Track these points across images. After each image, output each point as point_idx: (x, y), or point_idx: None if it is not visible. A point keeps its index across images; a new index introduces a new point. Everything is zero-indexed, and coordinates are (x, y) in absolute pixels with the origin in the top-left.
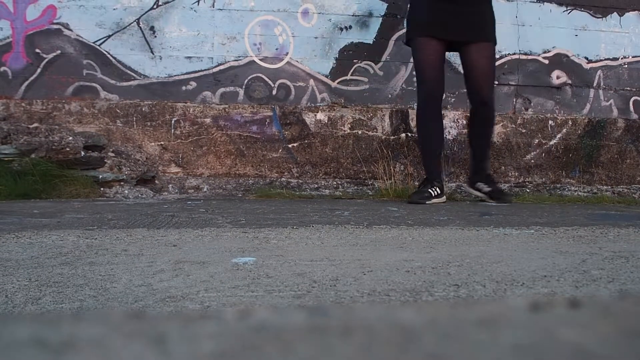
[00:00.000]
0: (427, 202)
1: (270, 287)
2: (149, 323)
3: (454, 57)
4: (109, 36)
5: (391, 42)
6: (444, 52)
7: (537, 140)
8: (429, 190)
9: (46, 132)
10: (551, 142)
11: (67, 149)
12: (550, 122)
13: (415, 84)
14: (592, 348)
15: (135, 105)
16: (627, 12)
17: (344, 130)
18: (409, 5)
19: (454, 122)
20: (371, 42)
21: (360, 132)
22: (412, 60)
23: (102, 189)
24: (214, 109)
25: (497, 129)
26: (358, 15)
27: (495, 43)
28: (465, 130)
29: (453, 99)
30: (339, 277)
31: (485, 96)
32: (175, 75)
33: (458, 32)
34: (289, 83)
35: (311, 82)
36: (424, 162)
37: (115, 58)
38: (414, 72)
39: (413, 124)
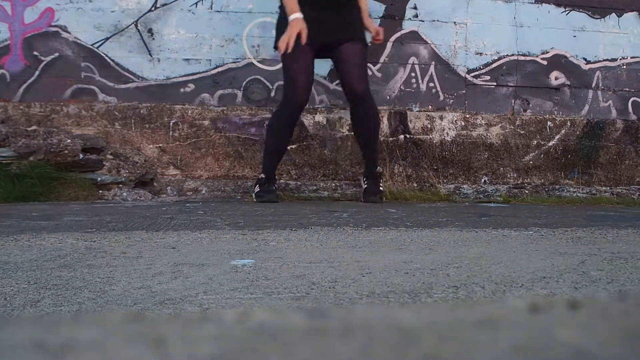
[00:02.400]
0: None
1: (269, 289)
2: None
3: (451, 59)
4: (107, 38)
5: (389, 44)
6: (313, 58)
7: (535, 142)
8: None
9: (44, 134)
10: (550, 143)
11: (66, 152)
12: (548, 123)
13: (414, 86)
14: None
15: (134, 108)
16: (626, 12)
17: (343, 132)
18: (279, 15)
19: (452, 123)
20: (369, 44)
21: None
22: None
23: (100, 191)
24: (213, 111)
25: (496, 130)
26: None
27: (365, 44)
28: (463, 132)
29: (451, 101)
30: (337, 278)
31: (360, 92)
32: (173, 78)
33: (327, 36)
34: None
35: None
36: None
37: (113, 60)
38: (412, 74)
39: (411, 125)
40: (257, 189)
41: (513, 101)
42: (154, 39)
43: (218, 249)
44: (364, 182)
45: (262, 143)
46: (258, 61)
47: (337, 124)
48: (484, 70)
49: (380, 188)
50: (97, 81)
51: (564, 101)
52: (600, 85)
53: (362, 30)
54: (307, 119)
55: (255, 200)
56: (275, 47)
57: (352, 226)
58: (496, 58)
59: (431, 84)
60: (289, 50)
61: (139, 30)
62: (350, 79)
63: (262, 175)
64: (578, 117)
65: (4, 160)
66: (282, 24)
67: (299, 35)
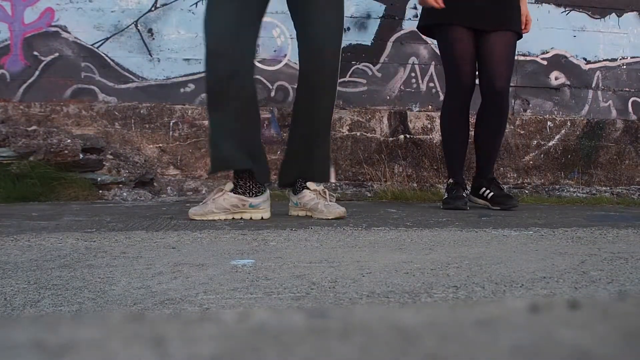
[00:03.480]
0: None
1: (269, 289)
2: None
3: None
4: (107, 38)
5: (389, 44)
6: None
7: (535, 142)
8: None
9: (44, 134)
10: (550, 143)
11: (66, 152)
12: (549, 123)
13: (414, 86)
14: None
15: (134, 108)
16: (626, 12)
17: (343, 132)
18: None
19: None
20: (369, 44)
21: (358, 133)
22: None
23: (100, 191)
24: None
25: None
26: (356, 17)
27: (518, 36)
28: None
29: None
30: (337, 278)
31: (499, 88)
32: (173, 78)
33: (483, 20)
34: (287, 85)
35: None
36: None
37: (113, 60)
38: (412, 74)
39: (411, 125)
40: (445, 195)
41: (513, 101)
42: (154, 39)
43: (218, 249)
44: (483, 193)
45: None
46: (258, 61)
47: (337, 123)
48: None
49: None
50: (97, 81)
51: (564, 101)
52: (600, 85)
53: (519, 19)
54: None
55: (441, 207)
56: (422, 27)
57: (352, 226)
58: None
59: (431, 84)
60: (440, 4)
61: (139, 30)
62: (492, 73)
63: (450, 180)
64: (578, 117)
65: (4, 160)
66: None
67: (447, 16)
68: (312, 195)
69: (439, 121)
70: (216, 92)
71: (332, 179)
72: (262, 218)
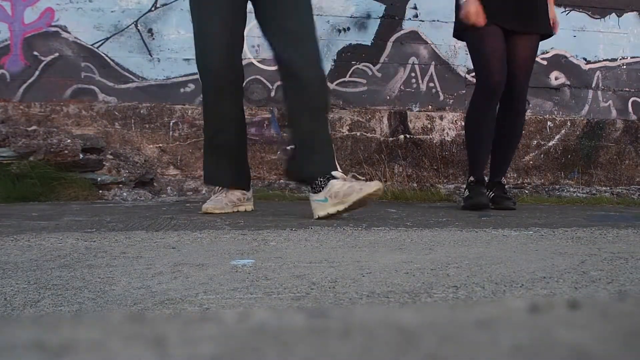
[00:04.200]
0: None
1: (269, 289)
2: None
3: (451, 59)
4: (107, 38)
5: (389, 44)
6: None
7: (535, 142)
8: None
9: (44, 134)
10: (550, 143)
11: (66, 152)
12: (549, 123)
13: (414, 86)
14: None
15: (134, 108)
16: (626, 12)
17: (343, 132)
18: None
19: (452, 123)
20: (369, 44)
21: (358, 133)
22: (414, 60)
23: (100, 191)
24: None
25: None
26: (356, 17)
27: (540, 39)
28: (463, 132)
29: (451, 101)
30: (337, 278)
31: (520, 91)
32: (173, 78)
33: (519, 22)
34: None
35: None
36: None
37: (113, 60)
38: (412, 74)
39: (411, 125)
40: (466, 193)
41: None
42: (154, 39)
43: (218, 249)
44: (488, 193)
45: (262, 143)
46: (258, 61)
47: (337, 124)
48: None
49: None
50: (97, 81)
51: (564, 101)
52: (600, 85)
53: (548, 21)
54: None
55: (462, 206)
56: (457, 32)
57: (352, 226)
58: None
59: (431, 84)
60: (481, 22)
61: (139, 30)
62: (514, 76)
63: (472, 178)
64: (578, 117)
65: (4, 160)
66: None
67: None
68: (342, 181)
69: (439, 121)
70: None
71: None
72: (251, 210)
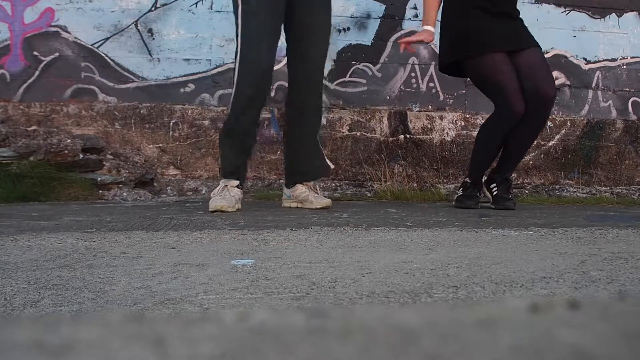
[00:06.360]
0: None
1: (269, 289)
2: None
3: None
4: (107, 38)
5: (389, 44)
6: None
7: (535, 142)
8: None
9: (44, 134)
10: (550, 143)
11: (66, 152)
12: (549, 123)
13: (414, 86)
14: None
15: (134, 108)
16: (626, 12)
17: (343, 132)
18: (447, 23)
19: (452, 123)
20: (369, 44)
21: (358, 133)
22: (414, 60)
23: (100, 191)
24: (213, 111)
25: None
26: (356, 17)
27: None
28: (463, 132)
29: (451, 101)
30: (337, 278)
31: (552, 95)
32: (173, 78)
33: (514, 42)
34: (287, 85)
35: None
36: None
37: (113, 60)
38: (412, 74)
39: (412, 125)
40: (460, 192)
41: None
42: (154, 39)
43: (218, 249)
44: (491, 188)
45: (262, 143)
46: None
47: (337, 124)
48: None
49: (511, 195)
50: (97, 81)
51: (564, 101)
52: (600, 85)
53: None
54: None
55: (454, 204)
56: (466, 54)
57: (352, 226)
58: None
59: (431, 84)
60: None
61: (139, 30)
62: (537, 80)
63: (468, 180)
64: (578, 117)
65: (4, 160)
66: (450, 34)
67: (480, 46)
68: (304, 189)
69: (439, 121)
70: (249, 95)
71: (332, 166)
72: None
